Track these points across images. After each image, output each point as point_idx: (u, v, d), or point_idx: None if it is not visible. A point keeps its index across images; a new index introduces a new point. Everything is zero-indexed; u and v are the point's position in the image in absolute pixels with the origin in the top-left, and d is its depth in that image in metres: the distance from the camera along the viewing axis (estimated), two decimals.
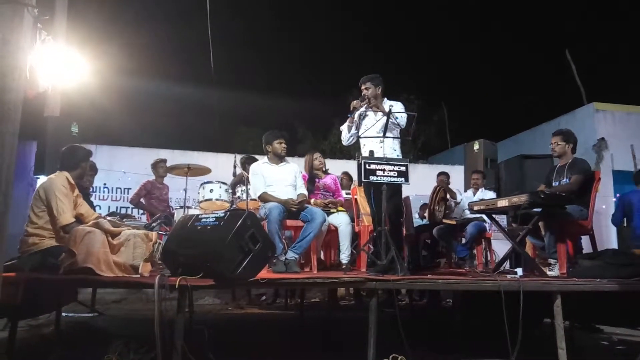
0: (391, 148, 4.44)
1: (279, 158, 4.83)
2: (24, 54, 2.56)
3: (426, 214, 6.78)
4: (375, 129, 4.41)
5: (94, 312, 5.63)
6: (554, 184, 4.68)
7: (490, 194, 6.28)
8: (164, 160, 6.82)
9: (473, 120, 16.73)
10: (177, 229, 3.59)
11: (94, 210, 4.23)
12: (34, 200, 3.63)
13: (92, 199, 6.56)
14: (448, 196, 6.23)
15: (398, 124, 4.42)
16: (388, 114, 4.24)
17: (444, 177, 6.82)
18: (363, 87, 4.57)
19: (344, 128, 4.65)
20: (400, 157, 4.38)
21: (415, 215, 7.33)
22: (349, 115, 4.54)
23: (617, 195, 8.51)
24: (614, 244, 7.95)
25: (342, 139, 4.72)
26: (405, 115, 4.44)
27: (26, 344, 3.86)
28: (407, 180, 4.07)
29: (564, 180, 4.58)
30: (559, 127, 9.72)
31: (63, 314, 4.84)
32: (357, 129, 4.59)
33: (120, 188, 9.02)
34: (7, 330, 3.33)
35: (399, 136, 4.55)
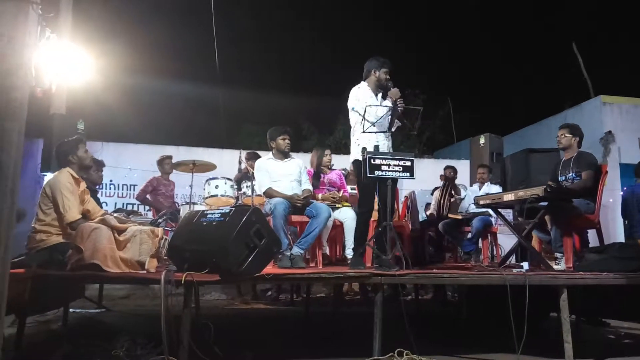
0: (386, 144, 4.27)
1: (281, 153, 4.83)
2: (29, 52, 2.56)
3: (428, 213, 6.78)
4: (382, 124, 4.21)
5: (101, 307, 5.66)
6: (560, 178, 4.66)
7: (496, 188, 6.26)
8: (170, 157, 6.85)
9: (479, 114, 16.62)
10: (182, 225, 3.60)
11: (101, 207, 4.24)
12: (41, 198, 3.65)
13: (98, 195, 6.59)
14: (453, 192, 6.22)
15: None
16: (395, 106, 4.18)
17: (450, 171, 6.79)
18: (388, 71, 4.30)
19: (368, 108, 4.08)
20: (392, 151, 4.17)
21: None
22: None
23: (625, 188, 8.46)
24: (621, 237, 7.90)
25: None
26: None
27: (34, 340, 3.89)
28: (412, 175, 4.04)
29: (570, 174, 4.56)
30: (566, 120, 9.69)
31: (70, 310, 4.88)
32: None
33: (126, 184, 9.06)
34: (15, 326, 3.36)
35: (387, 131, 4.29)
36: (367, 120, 4.08)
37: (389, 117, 4.15)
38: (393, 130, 4.31)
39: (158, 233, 3.67)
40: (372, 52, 4.43)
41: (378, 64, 4.30)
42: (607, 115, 9.60)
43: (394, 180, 4.05)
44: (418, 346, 3.23)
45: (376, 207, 4.27)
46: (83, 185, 3.87)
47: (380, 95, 4.34)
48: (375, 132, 4.15)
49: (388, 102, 4.20)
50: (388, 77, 4.29)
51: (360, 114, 4.12)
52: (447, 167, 6.92)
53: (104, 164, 6.10)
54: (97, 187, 6.26)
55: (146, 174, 7.46)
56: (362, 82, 4.38)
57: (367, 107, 4.07)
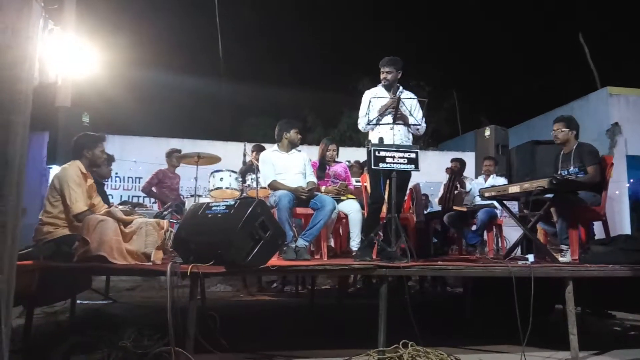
0: (405, 137, 4.41)
1: (292, 146, 4.83)
2: (33, 44, 2.56)
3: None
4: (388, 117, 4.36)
5: (108, 299, 5.71)
6: (561, 172, 4.61)
7: (501, 180, 6.23)
8: (179, 151, 6.86)
9: (484, 106, 16.54)
10: (188, 217, 3.61)
11: (108, 201, 4.25)
12: (50, 190, 3.67)
13: (104, 188, 6.62)
14: (458, 185, 6.21)
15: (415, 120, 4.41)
16: (397, 101, 4.21)
17: (457, 164, 6.77)
18: (384, 71, 4.40)
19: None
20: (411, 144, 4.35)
21: None
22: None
23: (631, 180, 8.42)
24: (627, 229, 7.87)
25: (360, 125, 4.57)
26: (419, 115, 4.45)
27: (42, 331, 3.92)
28: (417, 167, 4.05)
29: (573, 168, 4.52)
30: (572, 112, 9.64)
31: (77, 302, 4.91)
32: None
33: (131, 177, 9.10)
34: (24, 317, 3.39)
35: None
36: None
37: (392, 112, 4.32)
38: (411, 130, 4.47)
39: (164, 225, 3.68)
40: (376, 44, 4.51)
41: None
42: (614, 107, 9.51)
43: (402, 173, 4.11)
44: (422, 338, 3.23)
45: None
46: (90, 180, 3.89)
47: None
48: (377, 125, 4.36)
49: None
50: (384, 72, 4.45)
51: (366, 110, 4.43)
52: (454, 160, 6.90)
53: (114, 159, 6.12)
54: (104, 180, 6.29)
55: (151, 167, 7.49)
56: (379, 85, 4.55)
57: (371, 99, 4.36)
